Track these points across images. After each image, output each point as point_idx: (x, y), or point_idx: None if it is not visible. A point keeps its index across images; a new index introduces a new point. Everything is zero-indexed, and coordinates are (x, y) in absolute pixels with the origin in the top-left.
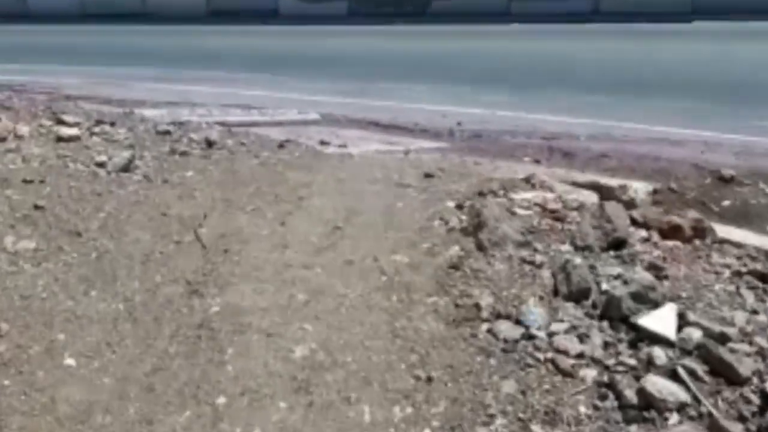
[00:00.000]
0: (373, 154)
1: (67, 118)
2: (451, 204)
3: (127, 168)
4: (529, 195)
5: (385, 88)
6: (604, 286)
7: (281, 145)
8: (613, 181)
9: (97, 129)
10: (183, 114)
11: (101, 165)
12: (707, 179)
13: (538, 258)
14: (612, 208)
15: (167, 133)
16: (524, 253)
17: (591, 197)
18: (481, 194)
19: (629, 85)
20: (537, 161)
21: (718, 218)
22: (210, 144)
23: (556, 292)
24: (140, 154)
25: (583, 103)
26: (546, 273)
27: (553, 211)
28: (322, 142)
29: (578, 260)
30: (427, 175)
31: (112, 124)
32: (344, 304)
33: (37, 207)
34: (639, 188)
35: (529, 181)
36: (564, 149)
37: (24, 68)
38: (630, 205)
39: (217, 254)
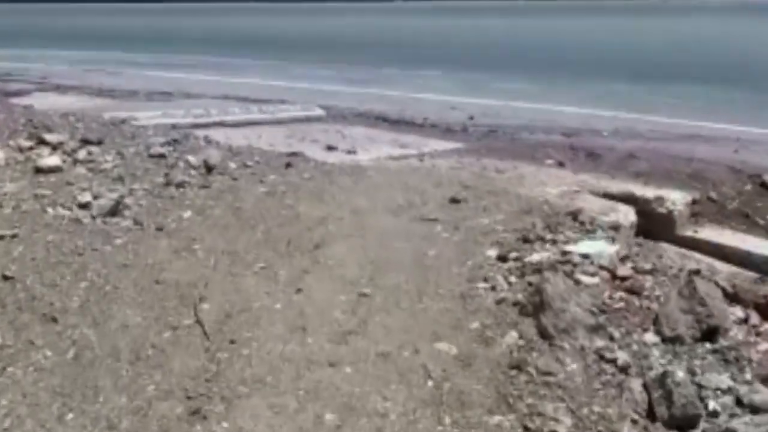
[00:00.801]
0: (386, 163)
1: (49, 137)
2: (491, 253)
3: (114, 211)
4: (587, 247)
5: (391, 75)
6: (712, 405)
7: (288, 164)
8: (647, 191)
9: (81, 153)
10: (177, 115)
11: (85, 206)
12: (747, 185)
13: (620, 356)
14: (704, 286)
15: (161, 156)
16: (600, 343)
17: (629, 214)
18: (526, 240)
19: (652, 71)
20: (561, 164)
21: (765, 233)
22: (209, 169)
23: (651, 414)
24: (130, 187)
25: (602, 92)
26: (636, 384)
27: (624, 279)
28: (329, 147)
29: (680, 374)
30: (453, 200)
31: (99, 142)
32: (384, 428)
33: (6, 278)
34: (676, 199)
35: (576, 218)
36: (587, 148)
37: (15, 54)
38: (668, 219)
39: (223, 346)
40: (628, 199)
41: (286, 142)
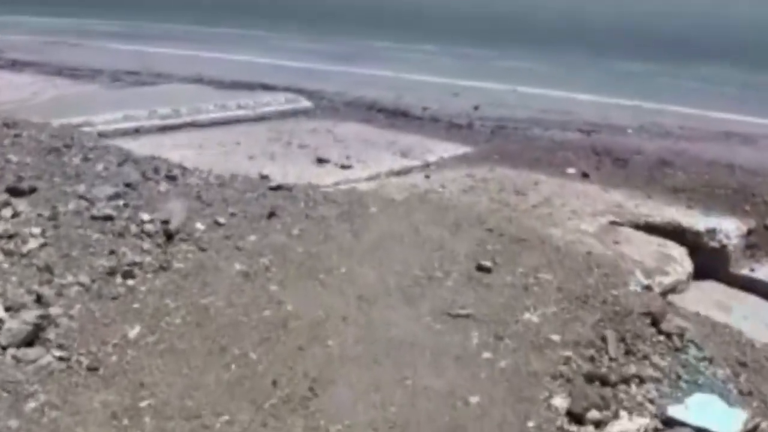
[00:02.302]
0: (388, 189)
1: None
2: (559, 404)
3: (32, 340)
4: (701, 416)
5: (382, 50)
6: None
7: (272, 214)
8: (694, 219)
9: (3, 213)
10: (141, 116)
11: None
12: None
13: None
14: None
15: (108, 219)
16: None
17: (684, 261)
18: (604, 382)
19: (675, 49)
20: (585, 175)
21: None
22: (170, 236)
23: None
24: (61, 282)
25: (620, 74)
26: None
27: None
28: (320, 160)
29: None
30: (481, 269)
31: (32, 191)
32: None
33: None
34: (730, 231)
35: (656, 324)
36: (612, 152)
37: None
38: (721, 255)
39: None
40: (675, 231)
41: (268, 151)
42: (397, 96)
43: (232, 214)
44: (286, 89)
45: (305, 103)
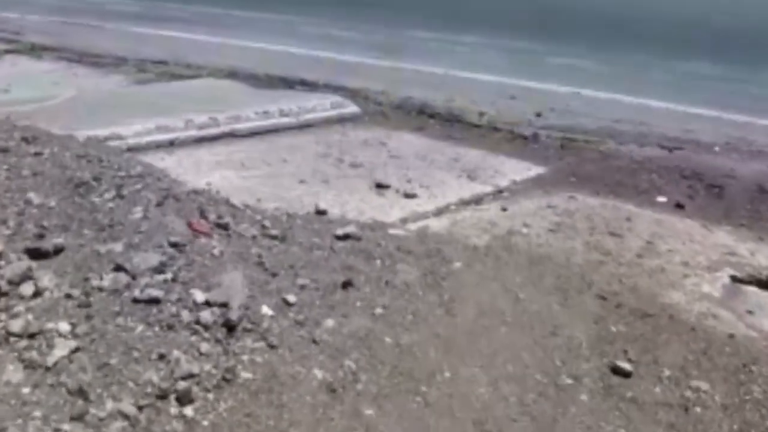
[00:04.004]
0: (463, 226)
1: None
2: None
3: None
4: None
5: (425, 42)
6: None
7: (346, 283)
8: None
9: (25, 289)
10: (177, 127)
11: None
12: None
13: None
14: None
15: (153, 302)
16: None
17: None
18: None
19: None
20: (679, 205)
21: None
22: (231, 327)
23: None
24: (97, 420)
25: (687, 78)
26: None
27: None
28: (379, 186)
29: None
30: (616, 371)
31: (59, 251)
32: None
33: None
34: None
35: None
36: (702, 175)
37: None
38: None
39: None
40: None
41: (319, 172)
42: (447, 97)
43: (302, 287)
44: (326, 86)
45: (352, 108)
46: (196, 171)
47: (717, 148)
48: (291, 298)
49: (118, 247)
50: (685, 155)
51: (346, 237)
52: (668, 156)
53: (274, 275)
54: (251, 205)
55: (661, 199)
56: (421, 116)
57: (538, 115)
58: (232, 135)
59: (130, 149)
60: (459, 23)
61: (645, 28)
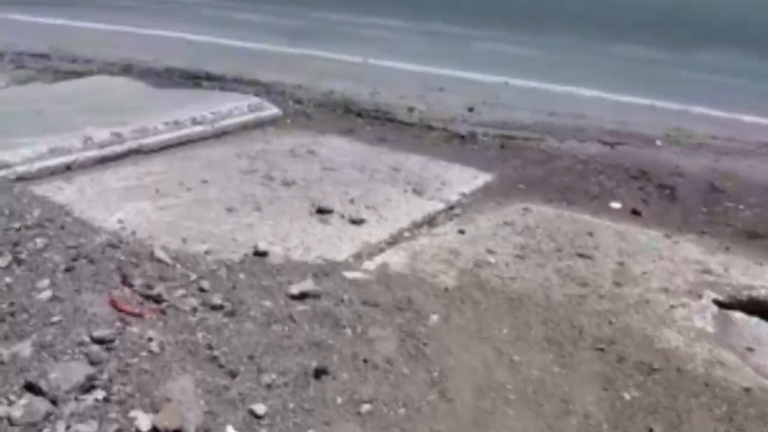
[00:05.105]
0: (424, 261)
1: None
2: None
3: None
4: None
5: (339, 24)
6: None
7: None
8: None
9: None
10: (74, 147)
11: None
12: None
13: None
14: None
15: None
16: None
17: None
18: None
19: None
20: (636, 212)
21: None
22: None
23: None
24: None
25: (618, 63)
26: None
27: None
28: (321, 210)
29: None
30: None
31: None
32: None
33: None
34: None
35: None
36: (650, 175)
37: None
38: None
39: None
40: None
41: (248, 195)
42: (372, 91)
43: (269, 387)
44: (237, 80)
45: (272, 110)
46: (103, 203)
47: (658, 142)
48: (259, 409)
49: (26, 349)
50: (628, 151)
51: (303, 296)
52: (611, 153)
53: (233, 375)
54: (179, 251)
55: (616, 205)
56: (348, 115)
57: (471, 109)
58: (140, 151)
59: (20, 179)
60: (375, 4)
61: (571, 8)
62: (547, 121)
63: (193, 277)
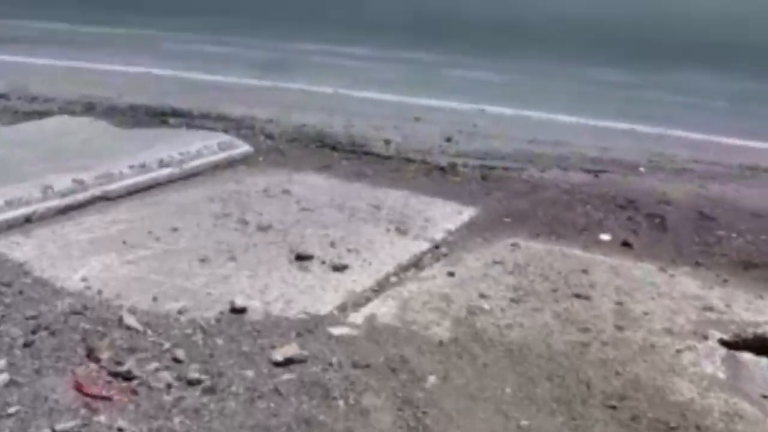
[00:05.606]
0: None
1: None
2: None
3: None
4: None
5: (307, 54)
6: None
7: None
8: None
9: None
10: (33, 197)
11: None
12: None
13: None
14: None
15: None
16: None
17: None
18: None
19: (644, 51)
20: (626, 244)
21: None
22: None
23: None
24: None
25: (595, 85)
26: None
27: None
28: (300, 257)
29: None
30: None
31: None
32: None
33: None
34: None
35: None
36: (637, 204)
37: None
38: None
39: None
40: None
41: (222, 242)
42: (346, 123)
43: None
44: (204, 116)
45: (243, 147)
46: (66, 259)
47: (642, 169)
48: None
49: None
50: (612, 179)
51: (288, 362)
52: (595, 181)
53: None
54: (150, 313)
55: (605, 237)
56: (323, 150)
57: (448, 139)
58: (105, 198)
59: None
60: (341, 32)
61: (543, 32)
62: (527, 150)
63: (167, 345)
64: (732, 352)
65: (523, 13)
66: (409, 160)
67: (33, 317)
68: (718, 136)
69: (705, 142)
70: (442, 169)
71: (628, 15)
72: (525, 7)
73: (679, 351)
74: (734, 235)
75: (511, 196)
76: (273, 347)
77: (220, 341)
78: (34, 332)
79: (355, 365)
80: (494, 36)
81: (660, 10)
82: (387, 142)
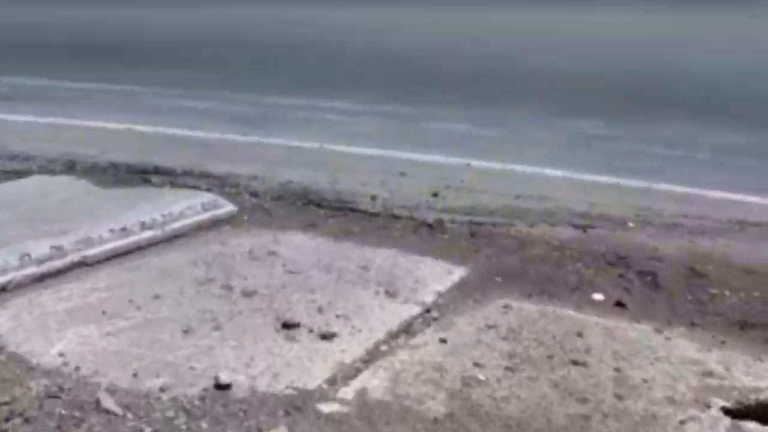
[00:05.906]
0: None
1: None
2: None
3: None
4: None
5: (287, 109)
6: None
7: None
8: None
9: None
10: (10, 265)
11: None
12: None
13: None
14: None
15: None
16: None
17: None
18: None
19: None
20: (620, 304)
21: None
22: None
23: None
24: None
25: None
26: None
27: None
28: (286, 325)
29: None
30: None
31: None
32: None
33: None
34: None
35: None
36: (628, 261)
37: None
38: None
39: None
40: None
41: (206, 311)
42: (331, 179)
43: None
44: (187, 173)
45: (227, 207)
46: (42, 332)
47: (630, 224)
48: None
49: None
50: (601, 235)
51: None
52: (584, 237)
53: None
54: (130, 391)
55: (598, 296)
56: (308, 207)
57: (435, 195)
58: (84, 264)
59: None
60: (325, 87)
61: (523, 84)
62: (515, 205)
63: (148, 431)
64: (736, 421)
65: (502, 65)
66: (396, 217)
67: (6, 403)
68: (704, 189)
69: (691, 196)
70: (429, 225)
71: (610, 69)
72: (504, 60)
73: (682, 422)
74: (727, 292)
75: (500, 253)
76: (260, 430)
77: (204, 425)
78: (7, 420)
79: None
80: (469, 88)
81: (641, 66)
82: (373, 198)
